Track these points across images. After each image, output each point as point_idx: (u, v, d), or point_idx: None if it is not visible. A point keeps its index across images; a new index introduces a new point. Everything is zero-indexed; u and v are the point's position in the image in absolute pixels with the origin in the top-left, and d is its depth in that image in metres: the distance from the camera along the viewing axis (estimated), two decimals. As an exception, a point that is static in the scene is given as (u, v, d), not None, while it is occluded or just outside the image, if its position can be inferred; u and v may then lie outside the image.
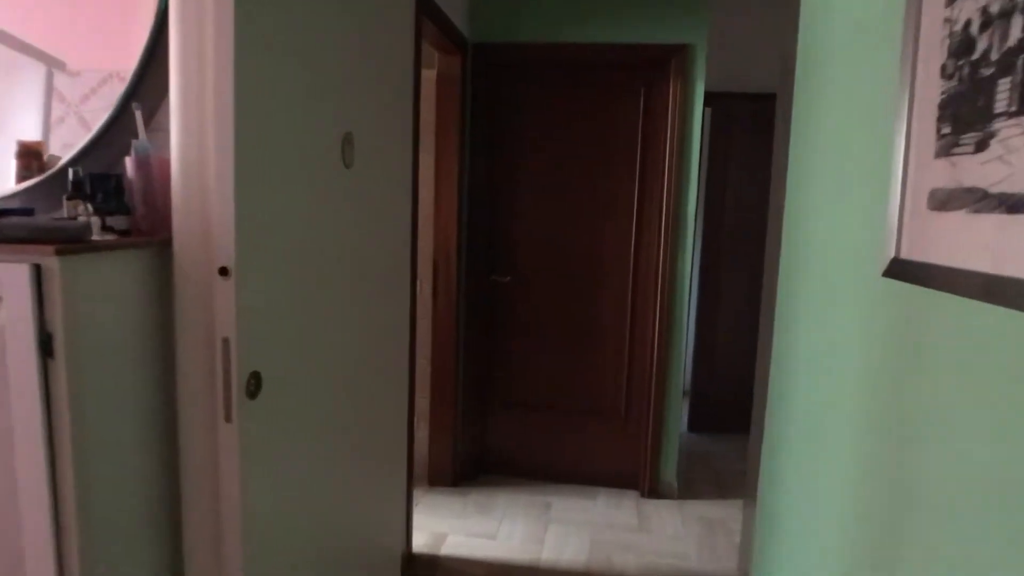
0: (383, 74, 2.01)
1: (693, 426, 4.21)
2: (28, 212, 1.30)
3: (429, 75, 3.17)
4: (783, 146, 1.78)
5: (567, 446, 3.37)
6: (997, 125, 0.77)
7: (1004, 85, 0.76)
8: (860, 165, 1.23)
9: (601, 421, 3.35)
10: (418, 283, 3.15)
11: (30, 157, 1.41)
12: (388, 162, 2.07)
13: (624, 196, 3.19)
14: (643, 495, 3.25)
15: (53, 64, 1.50)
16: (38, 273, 1.07)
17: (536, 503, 3.15)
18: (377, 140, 1.96)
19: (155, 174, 1.37)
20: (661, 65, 3.06)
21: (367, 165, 1.88)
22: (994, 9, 0.79)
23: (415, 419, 2.97)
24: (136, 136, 1.39)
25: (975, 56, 0.83)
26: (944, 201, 0.89)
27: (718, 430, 4.29)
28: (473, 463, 3.43)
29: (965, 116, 0.85)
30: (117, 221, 1.34)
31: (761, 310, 1.95)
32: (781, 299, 1.75)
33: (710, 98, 3.86)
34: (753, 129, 4.04)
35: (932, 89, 0.95)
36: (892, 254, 1.04)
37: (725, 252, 4.09)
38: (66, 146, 1.47)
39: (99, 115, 1.45)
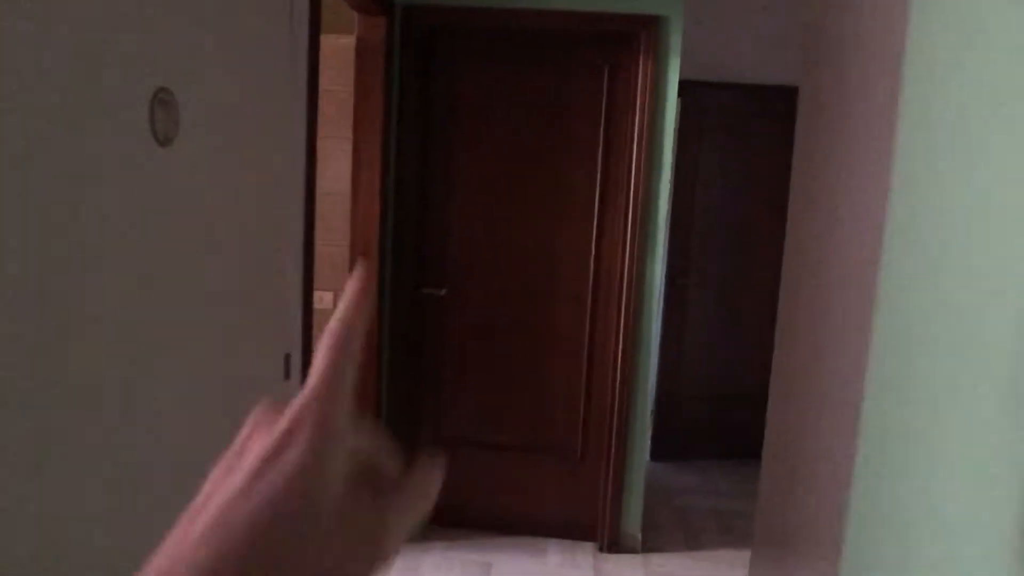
0: (244, 13, 1.44)
1: (654, 454, 3.74)
2: None
3: (346, 43, 2.60)
4: (883, 153, 1.28)
5: (512, 491, 2.84)
6: None
7: None
8: None
9: (553, 460, 2.83)
10: (316, 296, 2.58)
11: None
12: (256, 142, 1.50)
13: (583, 194, 2.67)
14: (601, 549, 2.75)
15: None
16: None
17: (473, 562, 2.61)
18: (230, 108, 1.39)
19: None
20: (628, 40, 2.56)
21: (208, 143, 1.30)
22: None
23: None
24: None
25: None
26: None
27: (682, 457, 3.83)
28: (400, 510, 2.87)
29: None
30: None
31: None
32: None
33: (680, 87, 3.38)
34: (727, 125, 3.58)
35: None
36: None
37: (693, 260, 3.63)
38: None
39: None
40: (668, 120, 2.54)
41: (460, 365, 2.80)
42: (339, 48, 2.64)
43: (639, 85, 2.52)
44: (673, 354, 3.71)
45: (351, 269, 2.58)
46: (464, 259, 2.74)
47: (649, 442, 2.76)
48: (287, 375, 1.77)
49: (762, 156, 3.67)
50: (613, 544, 2.74)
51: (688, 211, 3.57)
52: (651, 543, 2.82)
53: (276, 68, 1.60)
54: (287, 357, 1.77)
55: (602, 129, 2.63)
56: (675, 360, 3.72)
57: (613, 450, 2.72)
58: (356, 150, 2.55)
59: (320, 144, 2.64)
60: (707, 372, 3.81)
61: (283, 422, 0.26)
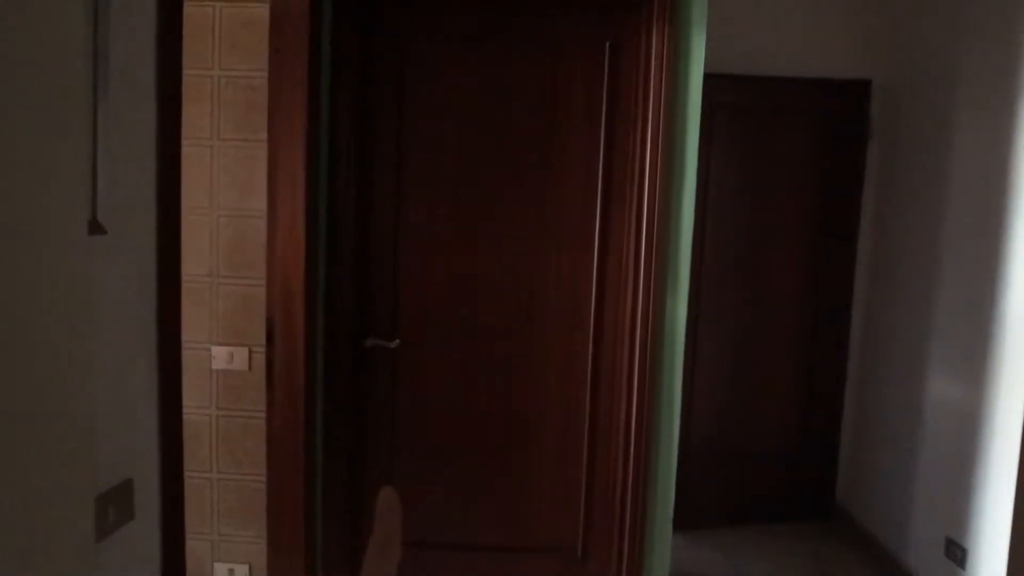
0: None
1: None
2: None
3: (257, 12, 1.93)
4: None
5: (493, 606, 2.14)
6: None
7: None
8: None
9: (547, 562, 2.15)
10: (223, 353, 1.89)
11: None
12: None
13: (581, 213, 2.03)
14: None
15: None
16: None
17: None
18: None
19: None
20: (636, 7, 1.93)
21: None
22: None
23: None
24: None
25: None
26: None
27: (692, 525, 3.17)
28: (344, 637, 2.15)
29: None
30: None
31: None
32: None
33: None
34: (741, 125, 2.98)
35: None
36: None
37: (706, 289, 3.00)
38: None
39: None
40: (691, 112, 1.91)
41: (419, 442, 2.11)
42: (248, 20, 1.96)
43: (651, 65, 1.90)
44: (684, 405, 3.06)
45: (267, 318, 1.89)
46: (423, 301, 2.06)
47: (671, 535, 2.15)
48: (125, 515, 1.06)
49: (782, 162, 3.08)
50: (630, 676, 2.06)
51: (698, 231, 2.95)
52: (677, 669, 2.14)
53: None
54: (124, 486, 1.06)
55: (603, 125, 1.99)
56: (685, 412, 3.07)
57: (626, 548, 2.05)
58: (273, 157, 1.86)
59: (224, 150, 1.96)
60: (718, 427, 3.17)
61: None
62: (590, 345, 2.07)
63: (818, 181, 3.09)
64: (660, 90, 1.88)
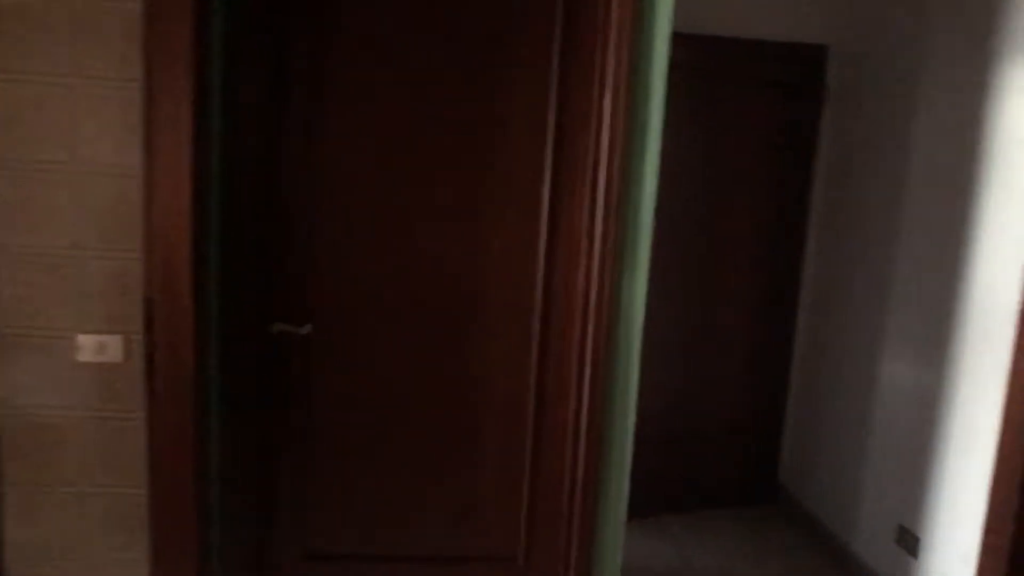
0: None
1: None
2: None
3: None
4: None
5: (425, 624, 1.90)
6: None
7: None
8: None
9: (487, 572, 1.92)
10: (91, 342, 1.56)
11: None
12: None
13: (527, 182, 1.76)
14: None
15: None
16: None
17: None
18: None
19: None
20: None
21: None
22: None
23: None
24: None
25: None
26: None
27: (640, 514, 3.01)
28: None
29: None
30: None
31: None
32: None
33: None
34: (698, 86, 2.76)
35: None
36: None
37: (653, 261, 2.80)
38: None
39: None
40: (657, 68, 1.66)
41: (338, 442, 1.82)
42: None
43: (611, 26, 1.62)
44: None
45: (145, 299, 1.54)
46: (341, 280, 1.75)
47: (623, 538, 1.97)
48: None
49: (736, 127, 2.89)
50: None
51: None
52: None
53: None
54: None
55: (554, 85, 1.71)
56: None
57: (574, 554, 1.84)
58: (149, 97, 1.50)
59: (89, 90, 1.57)
60: (662, 410, 3.00)
61: None
62: (536, 325, 1.82)
63: (772, 148, 2.93)
64: (621, 43, 1.61)
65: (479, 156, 1.75)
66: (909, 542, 2.37)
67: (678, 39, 2.43)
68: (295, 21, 1.67)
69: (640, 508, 2.91)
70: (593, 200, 1.69)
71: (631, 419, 1.84)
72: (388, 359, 1.79)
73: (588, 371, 1.77)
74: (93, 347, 1.59)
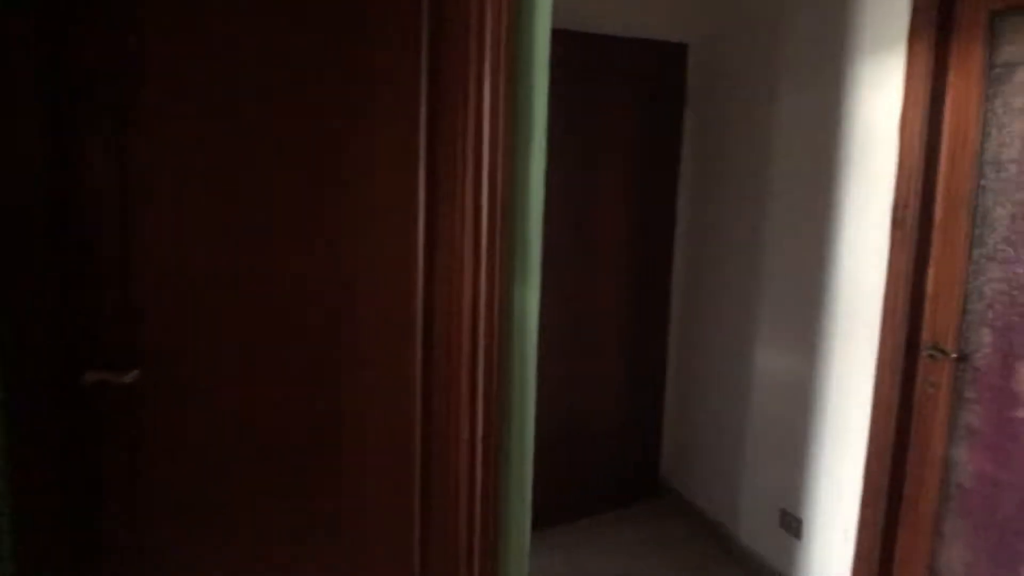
0: None
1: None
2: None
3: None
4: None
5: None
6: None
7: None
8: None
9: (374, 634, 1.66)
10: None
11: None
12: None
13: (397, 188, 1.53)
14: None
15: None
16: None
17: None
18: None
19: None
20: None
21: None
22: None
23: None
24: None
25: None
26: None
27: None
28: None
29: None
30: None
31: None
32: None
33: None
34: (566, 82, 2.66)
35: None
36: None
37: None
38: None
39: None
40: (539, 43, 1.50)
41: (186, 509, 1.48)
42: None
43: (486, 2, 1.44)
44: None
45: None
46: (177, 313, 1.42)
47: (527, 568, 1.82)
48: None
49: (604, 125, 2.84)
50: None
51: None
52: None
53: None
54: None
55: (424, 65, 1.50)
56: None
57: (474, 597, 1.64)
58: None
59: None
60: (544, 417, 2.89)
61: None
62: (417, 345, 1.60)
63: (638, 145, 2.91)
64: (499, 13, 1.44)
65: (336, 156, 1.49)
66: (792, 525, 2.43)
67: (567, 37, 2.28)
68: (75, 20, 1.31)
69: (532, 522, 2.78)
70: (477, 203, 1.49)
71: (530, 441, 1.68)
72: (239, 403, 1.49)
73: (481, 393, 1.58)
74: None
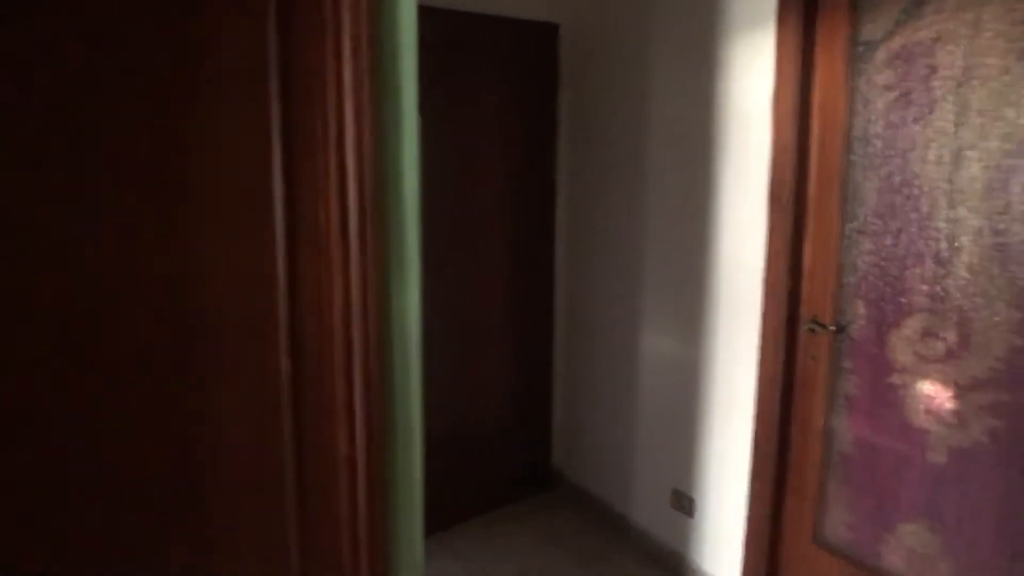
0: None
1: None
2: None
3: None
4: None
5: None
6: None
7: None
8: None
9: None
10: None
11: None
12: None
13: (249, 177, 1.31)
14: None
15: None
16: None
17: None
18: None
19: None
20: None
21: None
22: None
23: None
24: None
25: None
26: None
27: (425, 533, 2.74)
28: None
29: None
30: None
31: None
32: None
33: None
34: (435, 63, 2.49)
35: None
36: None
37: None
38: None
39: None
40: (406, 39, 1.33)
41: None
42: None
43: None
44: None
45: None
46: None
47: None
48: None
49: (479, 108, 2.70)
50: None
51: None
52: None
53: None
54: None
55: (272, 41, 1.28)
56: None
57: (366, 632, 1.47)
58: None
59: None
60: (432, 418, 2.76)
61: None
62: (286, 359, 1.39)
63: (514, 129, 2.80)
64: (358, 13, 1.25)
65: (172, 140, 1.25)
66: (685, 504, 2.45)
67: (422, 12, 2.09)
68: None
69: (426, 527, 2.63)
70: (343, 191, 1.31)
71: (418, 449, 1.53)
72: (66, 442, 1.22)
73: (359, 402, 1.40)
74: None
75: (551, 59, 2.84)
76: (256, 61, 1.27)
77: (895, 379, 1.83)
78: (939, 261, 1.71)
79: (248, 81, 1.27)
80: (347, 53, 1.28)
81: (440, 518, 2.75)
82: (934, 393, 1.77)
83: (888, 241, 1.81)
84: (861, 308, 1.89)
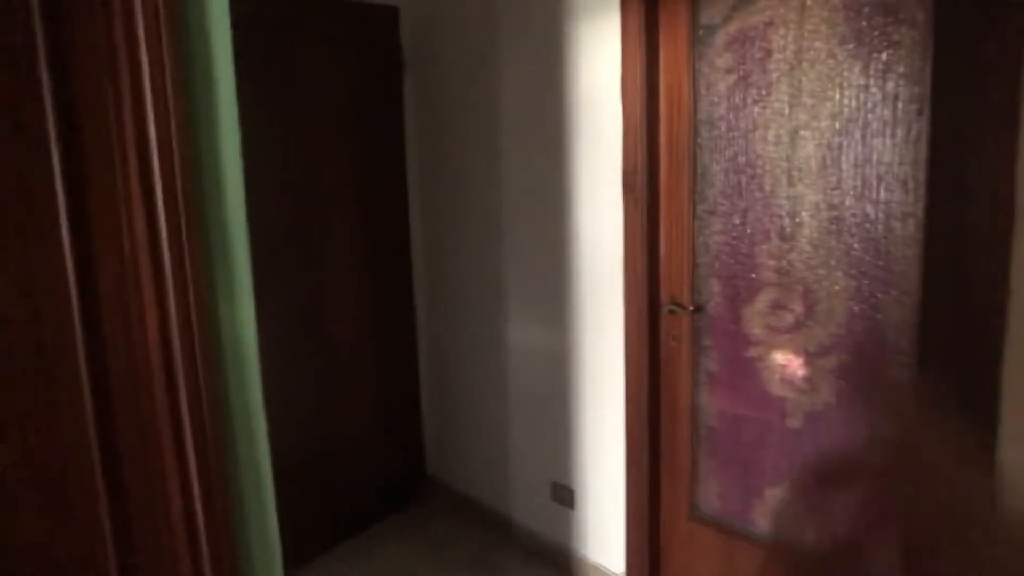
0: None
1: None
2: None
3: None
4: None
5: None
6: None
7: None
8: None
9: None
10: None
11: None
12: None
13: (25, 187, 1.06)
14: None
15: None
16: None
17: None
18: None
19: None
20: None
21: None
22: None
23: None
24: None
25: None
26: None
27: (300, 561, 2.52)
28: None
29: None
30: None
31: None
32: None
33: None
34: (270, 47, 2.27)
35: None
36: None
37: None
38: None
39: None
40: (217, 19, 1.14)
41: None
42: None
43: None
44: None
45: None
46: None
47: None
48: None
49: (321, 95, 2.49)
50: None
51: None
52: None
53: None
54: None
55: (36, 8, 1.04)
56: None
57: None
58: None
59: None
60: (294, 440, 2.55)
61: None
62: (90, 402, 1.16)
63: (357, 124, 2.62)
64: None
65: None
66: (565, 496, 2.42)
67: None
68: None
69: (292, 559, 2.41)
70: (149, 199, 1.10)
71: (268, 483, 1.35)
72: None
73: (190, 441, 1.20)
74: None
75: (393, 44, 2.69)
76: (17, 34, 1.03)
77: (751, 352, 1.90)
78: (783, 237, 1.78)
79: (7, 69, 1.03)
80: (141, 33, 1.07)
81: (308, 548, 2.54)
82: (787, 362, 1.85)
83: (736, 220, 1.86)
84: (716, 287, 1.93)
